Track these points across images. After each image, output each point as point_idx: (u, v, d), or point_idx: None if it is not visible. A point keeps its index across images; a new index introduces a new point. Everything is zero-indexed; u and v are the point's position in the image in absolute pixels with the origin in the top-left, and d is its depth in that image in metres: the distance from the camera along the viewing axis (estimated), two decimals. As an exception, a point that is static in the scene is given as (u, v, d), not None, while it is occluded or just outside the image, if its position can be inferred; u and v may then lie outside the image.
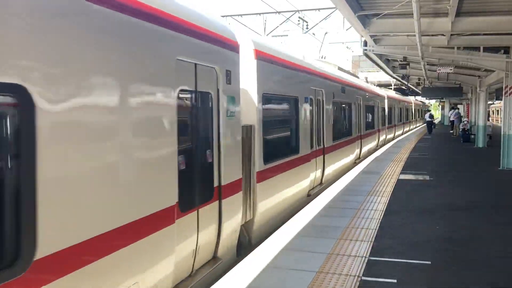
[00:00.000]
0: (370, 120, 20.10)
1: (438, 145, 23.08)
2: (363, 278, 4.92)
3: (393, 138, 28.69)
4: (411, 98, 44.22)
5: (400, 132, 33.14)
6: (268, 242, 6.13)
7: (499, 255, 5.81)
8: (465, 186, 10.97)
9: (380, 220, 7.37)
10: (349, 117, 15.26)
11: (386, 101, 25.29)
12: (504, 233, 6.79)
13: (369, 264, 5.34)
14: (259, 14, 21.27)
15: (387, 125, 25.66)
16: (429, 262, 5.45)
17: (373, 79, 39.78)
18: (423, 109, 60.86)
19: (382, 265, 5.33)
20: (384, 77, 37.19)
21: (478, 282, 4.90)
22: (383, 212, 7.97)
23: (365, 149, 18.18)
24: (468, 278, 5.01)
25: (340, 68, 16.89)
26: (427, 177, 12.10)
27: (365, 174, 12.54)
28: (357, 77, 21.23)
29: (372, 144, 20.55)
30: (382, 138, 23.87)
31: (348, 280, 4.83)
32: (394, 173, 12.69)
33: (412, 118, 43.14)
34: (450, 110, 38.18)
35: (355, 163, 15.74)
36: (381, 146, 22.77)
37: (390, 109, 26.99)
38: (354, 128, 15.86)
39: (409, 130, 38.69)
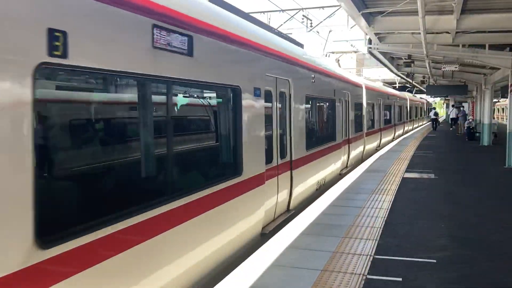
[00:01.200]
0: (326, 126, 12.03)
1: (443, 143, 23.00)
2: (368, 276, 4.91)
3: (377, 148, 20.36)
4: (406, 94, 35.54)
5: (390, 137, 24.68)
6: (273, 241, 6.12)
7: (506, 254, 5.78)
8: (471, 184, 10.92)
9: (385, 219, 7.35)
10: (265, 126, 7.01)
11: (364, 94, 17.41)
12: (511, 232, 6.76)
13: (374, 263, 5.33)
14: (263, 12, 21.24)
15: (365, 131, 17.48)
16: (435, 261, 5.43)
17: (378, 77, 39.70)
18: (424, 107, 52.69)
19: (387, 264, 5.31)
20: (389, 75, 37.11)
21: (484, 281, 4.88)
22: (388, 210, 7.95)
23: (309, 182, 9.47)
24: (474, 277, 4.99)
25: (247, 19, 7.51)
26: (432, 175, 12.06)
27: (369, 173, 12.50)
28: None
29: (331, 169, 11.66)
30: (355, 151, 15.19)
31: (353, 279, 4.82)
32: (399, 172, 12.65)
33: (407, 119, 33.91)
34: (451, 107, 38.81)
35: (286, 220, 7.71)
36: (353, 165, 14.56)
37: (372, 106, 19.29)
38: (275, 148, 7.58)
39: (403, 134, 31.16)
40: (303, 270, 5.05)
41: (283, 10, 20.68)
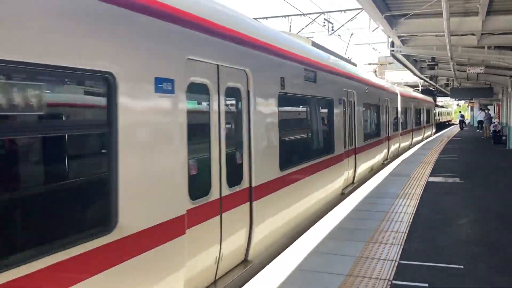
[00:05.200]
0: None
1: (468, 147, 22.59)
2: (394, 282, 4.86)
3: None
4: (376, 81, 16.62)
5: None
6: (296, 245, 6.11)
7: (535, 259, 5.64)
8: (497, 189, 10.69)
9: (409, 223, 7.26)
10: None
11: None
12: (539, 237, 6.59)
13: (400, 268, 5.27)
14: (284, 16, 21.27)
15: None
16: (462, 266, 5.33)
17: (400, 80, 39.28)
18: (424, 109, 29.78)
19: (413, 269, 5.25)
20: (412, 78, 36.69)
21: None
22: (413, 215, 7.85)
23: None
24: (501, 283, 4.88)
25: None
26: (458, 180, 11.86)
27: (393, 177, 12.37)
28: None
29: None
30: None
31: (378, 284, 4.77)
32: (423, 176, 12.48)
33: (385, 132, 17.06)
34: (479, 110, 41.12)
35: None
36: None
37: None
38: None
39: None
40: (327, 275, 5.02)
41: (304, 14, 20.67)
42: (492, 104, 44.89)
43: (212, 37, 4.93)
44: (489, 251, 5.95)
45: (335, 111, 9.88)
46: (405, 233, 6.72)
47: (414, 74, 26.95)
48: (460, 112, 57.03)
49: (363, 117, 12.79)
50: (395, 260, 5.51)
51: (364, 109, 12.97)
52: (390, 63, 29.18)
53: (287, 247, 6.23)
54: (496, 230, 7.00)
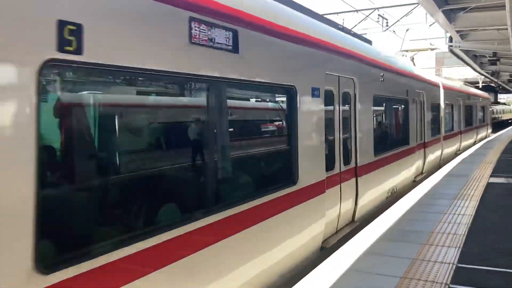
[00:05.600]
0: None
1: (533, 146, 21.40)
2: (451, 285, 4.69)
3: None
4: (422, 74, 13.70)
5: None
6: (350, 245, 6.04)
7: None
8: None
9: (468, 225, 6.98)
10: None
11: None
12: None
13: (457, 271, 5.08)
14: (337, 13, 21.04)
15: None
16: (525, 272, 5.07)
17: (460, 76, 37.85)
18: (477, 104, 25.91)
19: (471, 273, 5.04)
20: (471, 74, 35.31)
21: None
22: (472, 216, 7.54)
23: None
24: None
25: None
26: (521, 181, 11.27)
27: (450, 177, 11.93)
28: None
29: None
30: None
31: None
32: (483, 176, 11.95)
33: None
34: None
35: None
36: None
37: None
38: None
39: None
40: (381, 277, 4.93)
41: (357, 11, 20.37)
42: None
43: None
44: (556, 257, 5.62)
45: (303, 109, 5.87)
46: (463, 235, 6.47)
47: (474, 70, 25.88)
48: None
49: (374, 119, 8.94)
50: (453, 263, 5.32)
51: (376, 106, 9.09)
52: (432, 49, 25.98)
53: None
54: None
